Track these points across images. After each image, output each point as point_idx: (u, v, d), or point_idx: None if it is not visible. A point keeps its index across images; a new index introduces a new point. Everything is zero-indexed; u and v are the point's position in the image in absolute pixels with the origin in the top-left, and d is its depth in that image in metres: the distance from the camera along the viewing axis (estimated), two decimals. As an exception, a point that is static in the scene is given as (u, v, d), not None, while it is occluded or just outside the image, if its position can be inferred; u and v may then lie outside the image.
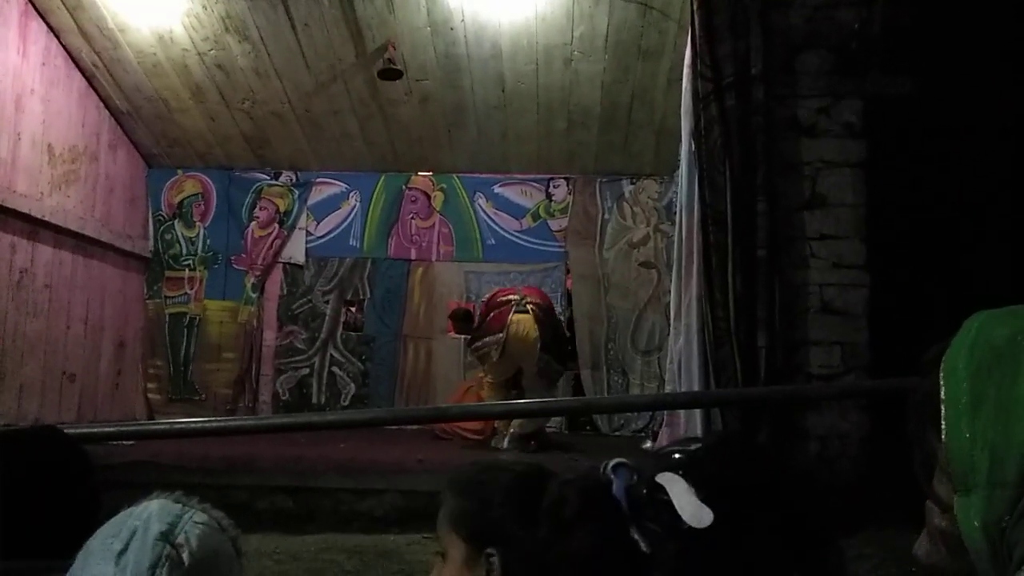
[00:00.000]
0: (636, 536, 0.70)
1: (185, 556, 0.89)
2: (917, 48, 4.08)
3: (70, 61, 5.93)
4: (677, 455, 0.79)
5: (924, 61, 4.11)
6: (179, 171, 7.22)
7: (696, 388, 3.96)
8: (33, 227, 5.57)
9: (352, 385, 7.03)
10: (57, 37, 5.74)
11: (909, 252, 4.45)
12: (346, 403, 6.96)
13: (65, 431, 1.53)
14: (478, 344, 5.46)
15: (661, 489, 0.70)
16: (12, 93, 5.32)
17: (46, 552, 1.07)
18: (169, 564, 0.88)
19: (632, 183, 7.03)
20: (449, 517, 1.05)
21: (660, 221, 6.93)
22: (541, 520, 0.96)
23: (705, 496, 0.70)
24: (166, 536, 0.90)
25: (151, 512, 0.94)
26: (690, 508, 0.67)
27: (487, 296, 6.00)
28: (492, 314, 5.45)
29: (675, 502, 0.68)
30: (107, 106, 6.41)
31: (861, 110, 4.09)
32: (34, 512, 1.21)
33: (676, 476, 0.70)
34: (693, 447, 0.79)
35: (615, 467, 0.76)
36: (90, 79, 6.14)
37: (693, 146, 4.13)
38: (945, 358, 0.69)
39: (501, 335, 5.26)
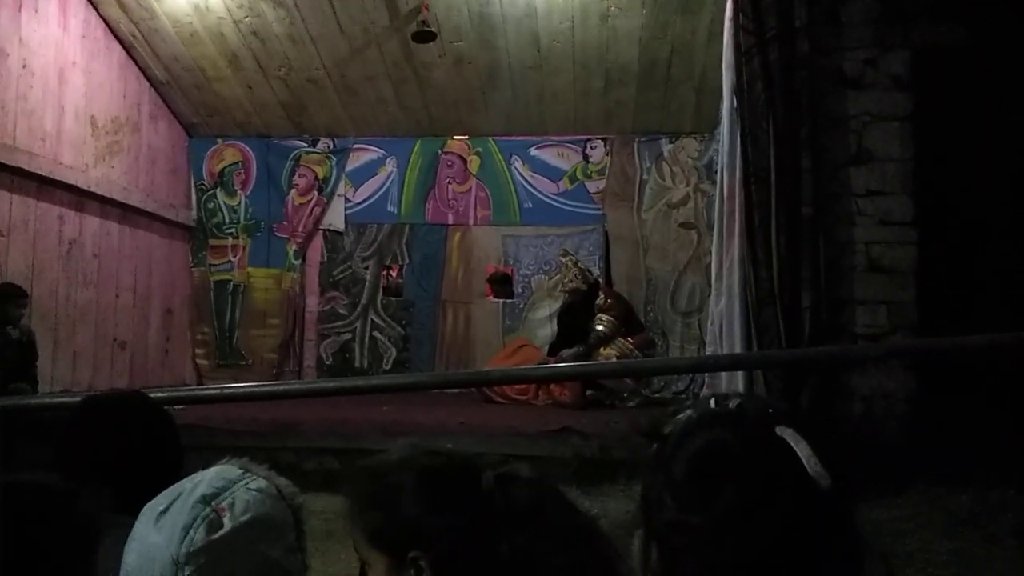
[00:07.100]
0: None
1: (226, 519, 0.90)
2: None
3: (109, 32, 5.99)
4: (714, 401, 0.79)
5: (976, 7, 3.94)
6: (219, 140, 7.29)
7: (738, 350, 3.92)
8: (80, 198, 5.69)
9: (393, 349, 7.11)
10: (96, 9, 5.80)
11: (958, 208, 4.32)
12: (388, 367, 7.05)
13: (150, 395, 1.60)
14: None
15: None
16: (55, 66, 5.40)
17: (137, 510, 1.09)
18: (206, 525, 0.89)
19: (671, 142, 6.91)
20: (361, 532, 0.97)
21: (700, 180, 6.81)
22: (474, 509, 0.92)
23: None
24: (207, 499, 0.91)
25: (205, 476, 0.95)
26: (816, 466, 0.67)
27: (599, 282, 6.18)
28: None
29: (805, 461, 0.68)
30: (147, 76, 6.47)
31: (909, 61, 3.95)
32: (130, 471, 1.28)
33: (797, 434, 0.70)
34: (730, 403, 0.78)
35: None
36: (129, 50, 6.20)
37: (735, 102, 4.04)
38: None
39: None
